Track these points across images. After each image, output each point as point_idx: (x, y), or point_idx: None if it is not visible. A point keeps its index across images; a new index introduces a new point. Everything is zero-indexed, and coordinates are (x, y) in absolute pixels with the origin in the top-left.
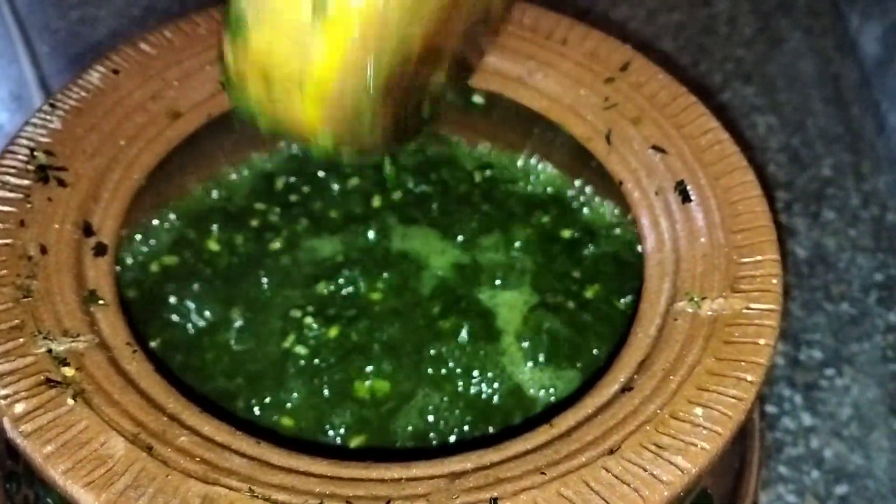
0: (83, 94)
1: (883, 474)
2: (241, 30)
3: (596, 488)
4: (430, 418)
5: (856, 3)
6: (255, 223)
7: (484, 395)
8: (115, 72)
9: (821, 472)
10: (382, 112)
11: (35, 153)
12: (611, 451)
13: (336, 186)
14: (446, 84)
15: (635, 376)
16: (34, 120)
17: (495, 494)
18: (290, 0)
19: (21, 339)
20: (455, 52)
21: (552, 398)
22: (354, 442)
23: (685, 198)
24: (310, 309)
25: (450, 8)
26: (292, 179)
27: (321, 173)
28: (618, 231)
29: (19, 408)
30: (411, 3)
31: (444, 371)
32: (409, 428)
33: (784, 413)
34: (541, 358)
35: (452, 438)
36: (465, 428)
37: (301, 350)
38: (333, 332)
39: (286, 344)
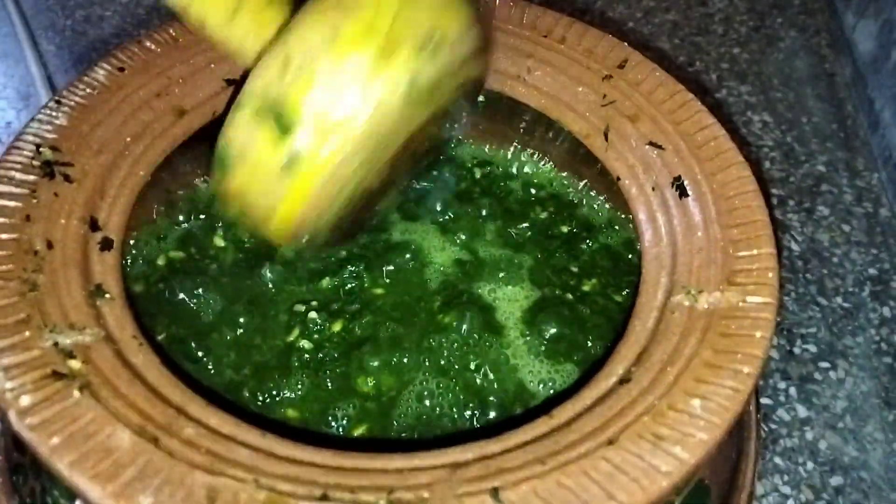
0: (89, 91)
1: (877, 466)
2: (223, 169)
3: (595, 478)
4: (431, 410)
5: (850, 1)
6: None
7: (484, 388)
8: (121, 69)
9: (815, 464)
10: (333, 232)
11: (41, 149)
12: (610, 442)
13: None
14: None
15: (633, 368)
16: (40, 116)
17: (496, 484)
18: (266, 155)
19: (27, 333)
20: (400, 176)
21: (551, 390)
22: (356, 433)
23: (682, 193)
24: (314, 304)
25: (398, 155)
26: None
27: None
28: (615, 226)
29: (25, 400)
30: (365, 158)
31: (445, 364)
32: (410, 420)
33: (779, 405)
34: (540, 350)
35: (453, 430)
36: (466, 420)
37: (305, 344)
38: (337, 326)
39: (291, 338)
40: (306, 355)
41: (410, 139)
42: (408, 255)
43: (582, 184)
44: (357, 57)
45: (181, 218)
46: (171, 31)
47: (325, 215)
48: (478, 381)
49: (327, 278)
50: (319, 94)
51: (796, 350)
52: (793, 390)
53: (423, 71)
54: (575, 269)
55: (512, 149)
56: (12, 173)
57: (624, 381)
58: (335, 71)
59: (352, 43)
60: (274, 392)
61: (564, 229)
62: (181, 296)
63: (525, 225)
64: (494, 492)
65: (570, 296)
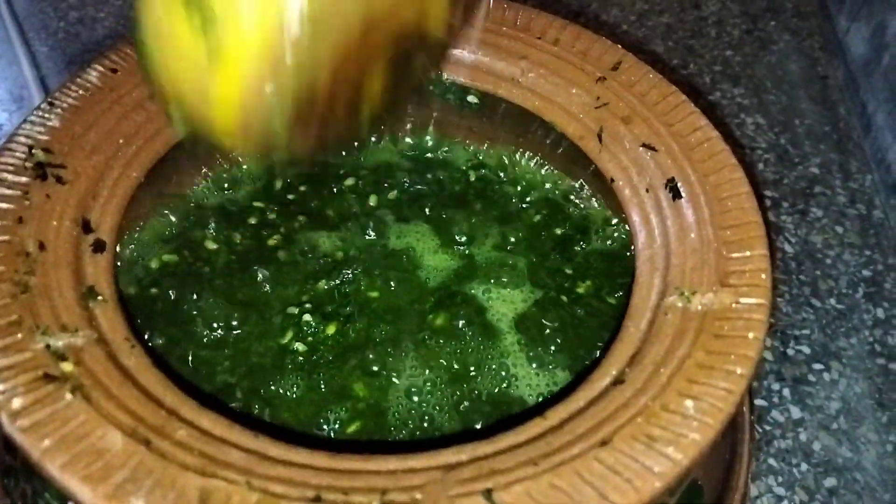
0: (82, 92)
1: (871, 467)
2: (148, 61)
3: (588, 479)
4: (424, 412)
5: (843, 4)
6: (253, 221)
7: (478, 389)
8: (114, 70)
9: (809, 465)
10: (299, 134)
11: (33, 151)
12: (603, 443)
13: (333, 186)
14: (386, 95)
15: (627, 369)
16: (32, 118)
17: (489, 485)
18: (189, 45)
19: (19, 335)
20: (385, 73)
21: (545, 392)
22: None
23: (675, 195)
24: (308, 306)
25: (357, 47)
26: (290, 178)
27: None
28: (609, 228)
29: (17, 403)
30: (306, 47)
31: (438, 366)
32: (403, 422)
33: (773, 406)
34: (533, 352)
35: (446, 431)
36: (460, 421)
37: (299, 346)
38: (331, 329)
39: (284, 340)
40: (300, 358)
41: (377, 31)
42: (403, 258)
43: (576, 185)
44: None
45: (174, 220)
46: None
47: (273, 106)
48: (471, 382)
49: (322, 281)
50: None
51: (790, 352)
52: (786, 392)
53: None
54: (569, 272)
55: (506, 151)
56: (4, 175)
57: (617, 382)
58: None
59: None
60: (268, 394)
61: (558, 231)
62: (174, 298)
63: (519, 227)
64: (487, 493)
65: (564, 298)
